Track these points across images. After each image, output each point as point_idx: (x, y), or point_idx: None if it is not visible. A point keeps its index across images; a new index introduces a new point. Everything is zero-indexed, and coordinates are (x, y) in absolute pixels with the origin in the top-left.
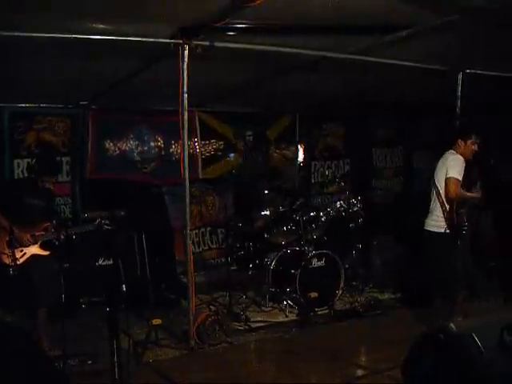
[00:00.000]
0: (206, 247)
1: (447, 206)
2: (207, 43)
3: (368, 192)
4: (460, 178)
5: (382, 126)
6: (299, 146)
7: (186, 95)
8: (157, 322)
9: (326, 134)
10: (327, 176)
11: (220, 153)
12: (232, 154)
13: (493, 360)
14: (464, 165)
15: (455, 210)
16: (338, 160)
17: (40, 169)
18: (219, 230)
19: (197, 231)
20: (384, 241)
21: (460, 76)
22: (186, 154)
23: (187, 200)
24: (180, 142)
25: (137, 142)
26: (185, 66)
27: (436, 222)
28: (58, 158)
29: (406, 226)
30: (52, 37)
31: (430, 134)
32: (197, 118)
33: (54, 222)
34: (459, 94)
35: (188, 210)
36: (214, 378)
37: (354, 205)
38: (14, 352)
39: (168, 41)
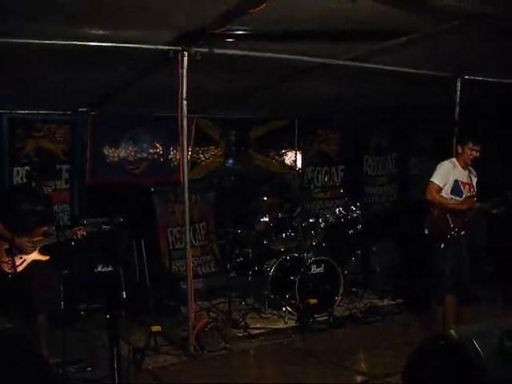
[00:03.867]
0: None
1: (431, 210)
2: (207, 50)
3: (362, 198)
4: (440, 183)
5: (377, 132)
6: (297, 152)
7: (185, 102)
8: (156, 328)
9: (321, 139)
10: (324, 182)
11: (208, 156)
12: (230, 159)
13: (493, 366)
14: (457, 170)
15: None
16: (331, 166)
17: (38, 173)
18: (201, 225)
19: (179, 228)
20: (382, 247)
21: (459, 82)
22: (186, 159)
23: (186, 206)
24: (175, 146)
25: (134, 147)
26: (184, 73)
27: (425, 226)
28: (58, 166)
29: (404, 231)
30: (51, 43)
31: (425, 140)
32: (194, 124)
33: (53, 226)
34: (458, 100)
35: (187, 215)
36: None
37: (353, 211)
38: (13, 359)
39: (167, 47)
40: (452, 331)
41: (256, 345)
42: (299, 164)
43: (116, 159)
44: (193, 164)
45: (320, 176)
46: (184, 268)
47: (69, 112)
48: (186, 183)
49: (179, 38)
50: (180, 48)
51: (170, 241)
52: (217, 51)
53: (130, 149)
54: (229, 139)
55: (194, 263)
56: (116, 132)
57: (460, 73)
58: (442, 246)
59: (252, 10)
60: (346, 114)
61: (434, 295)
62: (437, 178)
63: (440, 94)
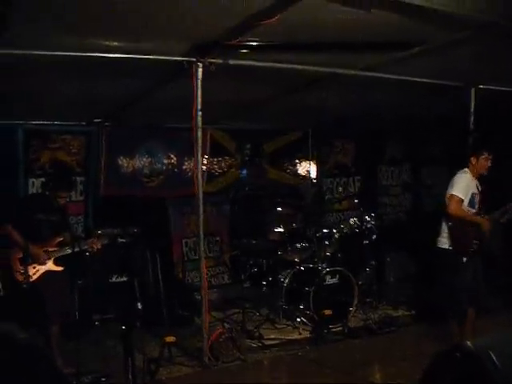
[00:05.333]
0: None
1: (450, 223)
2: (221, 61)
3: (377, 209)
4: (462, 196)
5: (392, 142)
6: (311, 163)
7: (199, 113)
8: (170, 339)
9: (337, 150)
10: (339, 193)
11: (225, 168)
12: (244, 171)
13: (511, 378)
14: (472, 182)
15: (458, 226)
16: (348, 177)
17: (53, 185)
18: (215, 239)
19: (194, 240)
20: (397, 257)
21: (473, 91)
22: (200, 170)
23: (201, 218)
24: (190, 157)
25: (149, 158)
26: (199, 84)
27: (444, 239)
28: (73, 178)
29: (418, 242)
30: (66, 55)
31: (439, 150)
32: (208, 135)
33: (68, 236)
34: (472, 109)
35: (201, 226)
36: None
37: (368, 221)
38: (27, 369)
39: (182, 59)
40: (468, 342)
41: (270, 356)
42: (313, 175)
43: (130, 170)
44: (209, 176)
45: (337, 187)
46: (198, 279)
47: (84, 123)
48: (201, 194)
49: (194, 49)
50: (194, 59)
51: (185, 252)
52: (231, 62)
53: (145, 160)
54: (244, 152)
55: (207, 274)
56: (131, 143)
57: (474, 82)
58: (465, 259)
59: (264, 22)
60: (360, 125)
61: (452, 307)
62: (459, 191)
63: (454, 103)
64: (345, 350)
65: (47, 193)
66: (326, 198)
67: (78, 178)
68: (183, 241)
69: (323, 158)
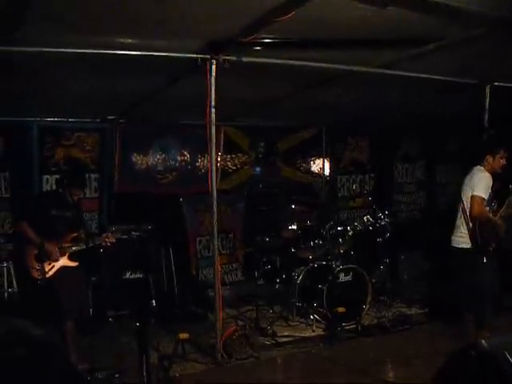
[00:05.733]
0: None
1: (471, 224)
2: (235, 58)
3: (391, 206)
4: (485, 197)
5: (406, 139)
6: (325, 160)
7: (213, 110)
8: (184, 336)
9: (351, 147)
10: (353, 190)
11: (239, 166)
12: (258, 168)
13: None
14: (491, 182)
15: (481, 227)
16: (364, 174)
17: (68, 182)
18: (229, 236)
19: (208, 237)
20: (411, 255)
21: (488, 89)
22: (214, 167)
23: (215, 215)
24: (204, 154)
25: (162, 155)
26: (213, 81)
27: (461, 239)
28: (87, 175)
29: (433, 240)
30: (81, 52)
31: (453, 148)
32: (222, 132)
33: (82, 232)
34: (487, 107)
35: (215, 223)
36: None
37: (382, 219)
38: (42, 365)
39: (196, 56)
40: (483, 341)
41: (283, 353)
42: (327, 172)
43: (144, 167)
44: (223, 174)
45: (351, 184)
46: (212, 276)
47: (98, 120)
48: (215, 191)
49: (208, 46)
50: (208, 56)
51: (199, 249)
52: (245, 59)
53: (159, 157)
54: (257, 150)
55: (221, 271)
56: (145, 140)
57: (489, 79)
58: (485, 259)
59: (279, 19)
60: (374, 122)
61: (470, 308)
62: (482, 192)
63: (469, 101)
64: (358, 347)
65: (61, 190)
66: (340, 195)
67: (93, 175)
68: (197, 238)
69: (337, 156)
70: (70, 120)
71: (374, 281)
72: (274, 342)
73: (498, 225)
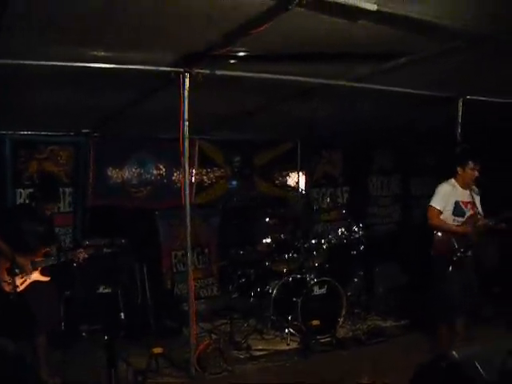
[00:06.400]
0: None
1: (434, 233)
2: (208, 71)
3: (366, 219)
4: (438, 207)
5: (380, 153)
6: (300, 174)
7: (187, 123)
8: (158, 350)
9: (324, 161)
10: (327, 203)
11: (214, 180)
12: (234, 183)
13: None
14: (458, 191)
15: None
16: (336, 187)
17: (40, 196)
18: (205, 250)
19: (183, 252)
20: (387, 268)
21: (460, 102)
22: (187, 181)
23: (188, 228)
24: (179, 168)
25: (137, 169)
26: (186, 95)
27: (432, 249)
28: (61, 189)
29: (409, 252)
30: (54, 64)
31: (428, 161)
32: (197, 146)
33: (54, 247)
34: (459, 120)
35: (189, 237)
36: None
37: (356, 232)
38: (13, 379)
39: (169, 69)
40: (453, 352)
41: (258, 366)
42: (302, 185)
43: (119, 181)
44: (198, 188)
45: (324, 197)
46: (187, 290)
47: (72, 134)
48: (188, 205)
49: (181, 59)
50: (182, 70)
51: (174, 263)
52: (218, 73)
53: (133, 171)
54: (233, 164)
55: (196, 285)
56: (119, 154)
57: (462, 93)
58: (450, 269)
59: (252, 32)
60: (348, 135)
61: (440, 318)
62: (436, 202)
63: (443, 114)
64: (333, 361)
65: (34, 204)
66: (315, 208)
67: (67, 189)
68: (172, 252)
69: (311, 169)
70: (44, 133)
71: (348, 294)
72: (248, 355)
73: (464, 234)
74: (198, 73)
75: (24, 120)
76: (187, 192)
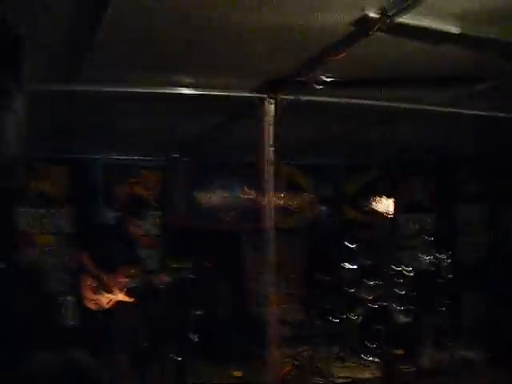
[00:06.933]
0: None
1: None
2: (292, 97)
3: (454, 247)
4: None
5: (469, 179)
6: (384, 200)
7: (272, 149)
8: (237, 373)
9: (410, 187)
10: (416, 230)
11: (301, 205)
12: (322, 209)
13: None
14: None
15: None
16: (424, 214)
17: (128, 216)
18: (290, 275)
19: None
20: (474, 298)
21: None
22: (271, 207)
23: (271, 253)
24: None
25: (224, 193)
26: (271, 120)
27: None
28: (147, 211)
29: (497, 283)
30: (142, 92)
31: None
32: (284, 171)
33: (139, 268)
34: None
35: (270, 261)
36: None
37: (443, 260)
38: None
39: (253, 95)
40: None
41: None
42: (390, 212)
43: (207, 205)
44: (284, 213)
45: (413, 224)
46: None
47: (161, 158)
48: (273, 230)
49: (265, 85)
50: (266, 95)
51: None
52: (303, 98)
53: (221, 196)
54: (322, 190)
55: (281, 310)
56: (207, 179)
57: None
58: None
59: (334, 57)
60: (437, 161)
61: None
62: None
63: None
64: None
65: (121, 223)
66: (402, 235)
67: (156, 213)
68: (257, 276)
69: (400, 195)
70: (135, 158)
71: (434, 323)
72: (330, 382)
73: None
74: (283, 98)
75: (115, 145)
76: (272, 218)
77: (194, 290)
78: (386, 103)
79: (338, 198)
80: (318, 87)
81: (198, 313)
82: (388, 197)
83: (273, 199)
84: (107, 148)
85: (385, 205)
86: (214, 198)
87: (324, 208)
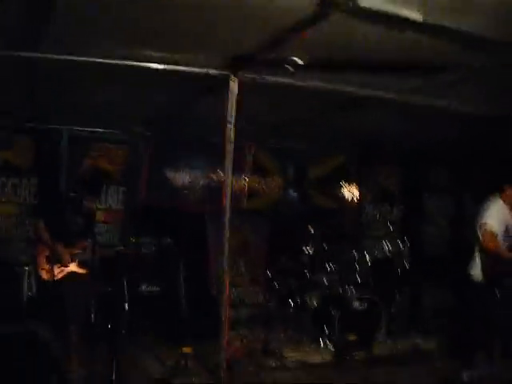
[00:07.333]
0: (239, 273)
1: (484, 254)
2: (256, 76)
3: (419, 238)
4: (497, 227)
5: (437, 170)
6: (350, 188)
7: (231, 127)
8: (187, 349)
9: (381, 176)
10: (381, 219)
11: (267, 187)
12: (288, 192)
13: None
14: (506, 211)
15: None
16: (392, 204)
17: (84, 188)
18: (253, 258)
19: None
20: (432, 287)
21: None
22: (229, 186)
23: (227, 234)
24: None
25: (190, 171)
26: (233, 99)
27: (475, 270)
28: (113, 188)
29: (456, 274)
30: (106, 62)
31: (483, 180)
32: (251, 153)
33: (92, 241)
34: None
35: (226, 241)
36: None
37: (403, 249)
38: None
39: (217, 72)
40: (464, 375)
41: (289, 376)
42: (357, 200)
43: (171, 183)
44: (251, 194)
45: (378, 213)
46: (233, 296)
47: (126, 133)
48: (228, 210)
49: (229, 62)
50: (229, 73)
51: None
52: (266, 78)
53: (186, 174)
54: (287, 174)
55: (241, 292)
56: (172, 156)
57: None
58: (499, 293)
59: (297, 36)
60: (405, 151)
61: (484, 342)
62: (494, 221)
63: (502, 132)
64: (367, 377)
65: (77, 197)
66: (366, 223)
67: (120, 188)
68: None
69: (366, 184)
70: (100, 130)
71: (390, 310)
72: (282, 365)
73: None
74: (246, 77)
75: (80, 117)
76: (228, 196)
77: (152, 265)
78: (350, 89)
79: (303, 183)
80: (291, 70)
81: (152, 289)
82: (355, 184)
83: (231, 178)
84: (72, 120)
85: (351, 192)
86: (178, 175)
87: (291, 192)
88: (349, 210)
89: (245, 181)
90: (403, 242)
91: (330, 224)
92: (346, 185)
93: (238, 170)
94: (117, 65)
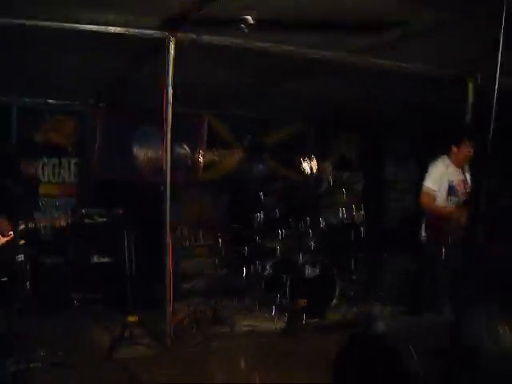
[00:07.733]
0: (198, 243)
1: (425, 215)
2: (194, 36)
3: (379, 204)
4: (434, 187)
5: (397, 137)
6: (308, 155)
7: (170, 90)
8: (133, 318)
9: (340, 143)
10: (336, 186)
11: (224, 158)
12: (244, 161)
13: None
14: (452, 169)
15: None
16: (352, 171)
17: (20, 152)
18: (211, 228)
19: (188, 228)
20: (395, 254)
21: (470, 82)
22: (168, 154)
23: (168, 203)
24: (189, 145)
25: (144, 142)
26: (171, 60)
27: (420, 231)
28: (66, 160)
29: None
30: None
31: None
32: (205, 121)
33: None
34: (471, 101)
35: (168, 211)
36: (180, 378)
37: (358, 214)
38: None
39: (153, 32)
40: (377, 325)
41: (238, 343)
42: (315, 168)
43: (125, 154)
44: (208, 164)
45: (337, 180)
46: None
47: (77, 103)
48: (168, 181)
49: (165, 23)
50: (166, 33)
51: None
52: (204, 38)
53: (140, 145)
54: (243, 142)
55: (200, 262)
56: (125, 126)
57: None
58: (444, 253)
59: None
60: (363, 118)
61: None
62: (431, 182)
63: (455, 95)
64: (318, 343)
65: (15, 161)
66: (324, 190)
67: (72, 160)
68: (178, 228)
69: (325, 151)
70: (49, 102)
71: (345, 277)
72: (231, 332)
73: (451, 216)
74: (184, 37)
75: (29, 88)
76: (168, 165)
77: (102, 236)
78: (298, 50)
79: (260, 151)
80: (244, 29)
81: (103, 260)
82: (313, 152)
83: (169, 143)
84: (21, 91)
85: (309, 159)
86: (133, 147)
87: (247, 161)
88: (306, 177)
89: (200, 151)
90: (360, 209)
91: (286, 191)
92: (304, 152)
93: (193, 140)
94: (47, 27)
